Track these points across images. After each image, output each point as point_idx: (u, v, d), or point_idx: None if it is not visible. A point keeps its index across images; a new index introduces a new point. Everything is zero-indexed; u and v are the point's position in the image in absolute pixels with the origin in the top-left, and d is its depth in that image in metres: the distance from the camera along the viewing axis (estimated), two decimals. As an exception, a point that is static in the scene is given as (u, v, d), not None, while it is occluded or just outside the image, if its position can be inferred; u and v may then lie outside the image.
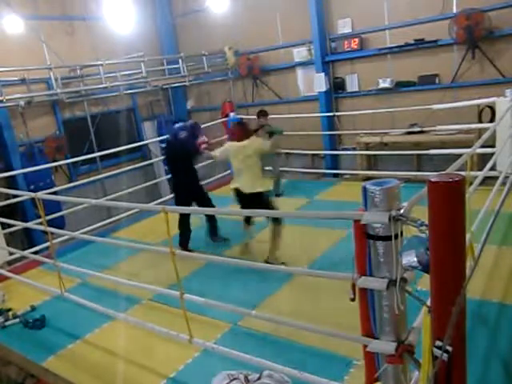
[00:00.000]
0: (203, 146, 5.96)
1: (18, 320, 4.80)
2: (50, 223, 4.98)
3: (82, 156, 7.84)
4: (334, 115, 9.43)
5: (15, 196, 6.33)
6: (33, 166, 7.57)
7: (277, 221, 5.29)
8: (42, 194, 4.68)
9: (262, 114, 8.11)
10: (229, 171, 9.45)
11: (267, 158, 7.97)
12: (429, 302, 2.09)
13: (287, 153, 10.02)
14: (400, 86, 8.60)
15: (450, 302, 1.87)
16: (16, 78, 8.31)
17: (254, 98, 10.84)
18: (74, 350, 4.21)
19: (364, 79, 9.09)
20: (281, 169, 8.59)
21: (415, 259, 2.04)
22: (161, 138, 9.65)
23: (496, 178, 5.48)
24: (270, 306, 4.40)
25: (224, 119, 9.97)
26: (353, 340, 2.69)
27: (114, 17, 9.18)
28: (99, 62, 8.67)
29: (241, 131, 5.61)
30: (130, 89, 10.05)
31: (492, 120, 7.10)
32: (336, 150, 9.60)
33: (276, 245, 5.37)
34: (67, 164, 9.03)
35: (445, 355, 1.93)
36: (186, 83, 10.29)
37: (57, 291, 4.65)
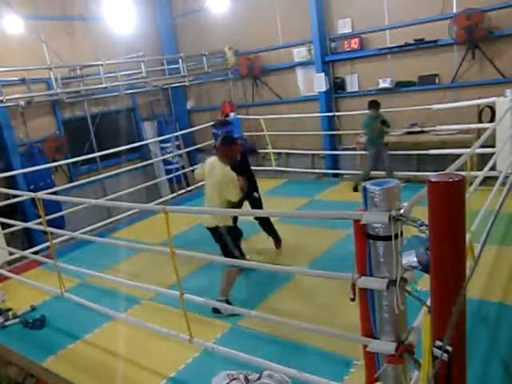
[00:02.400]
0: None
1: (18, 320, 4.80)
2: (50, 223, 4.98)
3: (82, 156, 7.83)
4: (333, 115, 9.43)
5: (15, 196, 6.33)
6: (33, 166, 7.56)
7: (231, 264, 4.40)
8: (42, 194, 4.68)
9: (374, 104, 7.34)
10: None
11: (382, 155, 7.43)
12: (429, 302, 2.09)
13: (287, 153, 10.04)
14: (400, 86, 8.60)
15: (450, 302, 1.87)
16: (16, 78, 8.30)
17: (253, 97, 10.83)
18: (74, 350, 4.21)
19: (364, 79, 9.09)
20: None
21: (415, 259, 2.05)
22: (161, 138, 9.70)
23: (496, 178, 5.48)
24: (270, 306, 4.40)
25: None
26: (353, 340, 2.69)
27: (114, 17, 9.17)
28: (99, 62, 8.66)
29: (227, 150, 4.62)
30: (130, 89, 10.05)
31: (492, 120, 7.10)
32: (336, 149, 9.61)
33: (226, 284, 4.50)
34: (67, 164, 9.02)
35: (445, 355, 1.93)
36: (186, 83, 10.28)
37: (57, 291, 4.65)
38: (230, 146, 4.67)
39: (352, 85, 9.29)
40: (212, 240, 4.41)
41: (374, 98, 7.54)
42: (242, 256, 4.54)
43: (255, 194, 5.65)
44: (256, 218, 5.64)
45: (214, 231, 4.52)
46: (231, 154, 4.62)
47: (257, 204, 5.68)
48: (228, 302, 4.36)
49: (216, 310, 4.30)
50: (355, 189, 7.61)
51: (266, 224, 5.69)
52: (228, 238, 4.47)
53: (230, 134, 5.76)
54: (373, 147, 7.47)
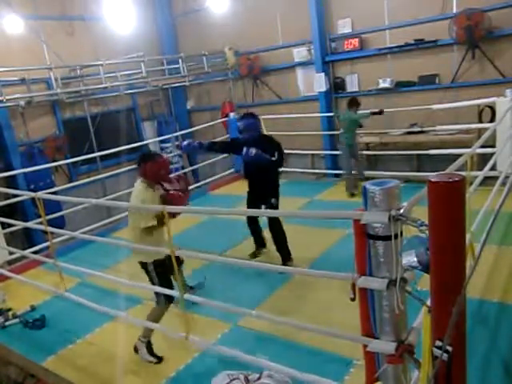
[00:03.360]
0: None
1: (17, 320, 4.80)
2: (50, 223, 4.97)
3: (82, 156, 7.84)
4: (334, 115, 9.43)
5: (15, 196, 6.33)
6: (33, 165, 7.57)
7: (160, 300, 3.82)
8: (42, 194, 4.68)
9: (354, 102, 7.29)
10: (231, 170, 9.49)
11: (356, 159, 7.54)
12: (429, 302, 2.09)
13: (287, 153, 10.02)
14: (400, 86, 8.60)
15: (450, 302, 1.87)
16: (16, 78, 8.30)
17: (253, 97, 10.83)
18: (74, 350, 4.21)
19: (364, 79, 9.09)
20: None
21: (415, 259, 2.05)
22: (161, 138, 9.69)
23: (496, 178, 5.48)
24: (270, 306, 4.40)
25: (224, 119, 9.99)
26: (353, 340, 2.69)
27: (114, 17, 9.18)
28: (99, 62, 8.67)
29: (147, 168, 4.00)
30: (130, 89, 10.05)
31: (492, 120, 7.10)
32: (336, 150, 9.59)
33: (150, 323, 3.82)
34: (67, 164, 9.03)
35: (445, 355, 1.93)
36: (186, 83, 10.29)
37: (57, 291, 4.65)
38: (147, 162, 3.99)
39: (352, 85, 9.29)
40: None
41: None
42: (170, 301, 3.77)
43: (272, 200, 5.25)
44: (270, 230, 5.30)
45: (143, 267, 3.80)
46: (150, 173, 3.97)
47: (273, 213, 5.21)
48: (148, 346, 3.82)
49: (136, 349, 3.88)
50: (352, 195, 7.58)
51: (279, 239, 5.29)
52: (154, 275, 3.73)
53: (251, 126, 5.36)
54: (343, 145, 7.61)
